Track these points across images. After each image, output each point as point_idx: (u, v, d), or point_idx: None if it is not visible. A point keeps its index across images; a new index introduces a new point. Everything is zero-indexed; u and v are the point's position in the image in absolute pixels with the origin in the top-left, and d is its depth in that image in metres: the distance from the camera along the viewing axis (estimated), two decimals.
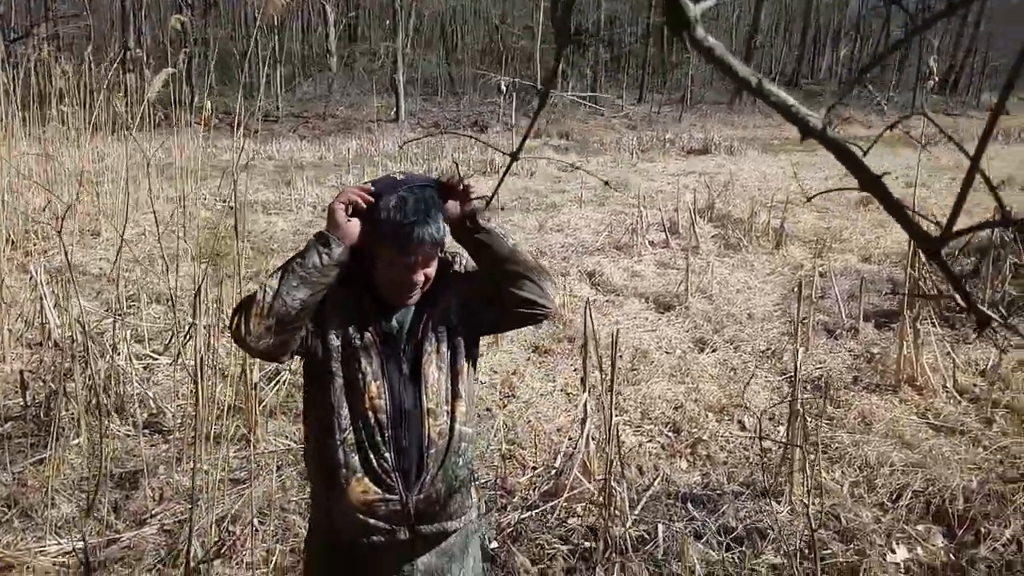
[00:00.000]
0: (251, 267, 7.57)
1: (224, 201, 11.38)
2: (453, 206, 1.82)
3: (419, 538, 1.84)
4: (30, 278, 6.19)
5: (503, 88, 20.18)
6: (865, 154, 0.59)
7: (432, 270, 1.84)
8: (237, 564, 3.05)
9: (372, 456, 1.78)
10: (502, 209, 10.36)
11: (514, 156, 0.70)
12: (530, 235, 8.89)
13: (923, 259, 6.52)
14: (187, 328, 5.21)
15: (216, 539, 3.12)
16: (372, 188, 1.79)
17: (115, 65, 7.65)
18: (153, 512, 3.45)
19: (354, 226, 1.77)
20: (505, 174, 0.74)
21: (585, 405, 3.34)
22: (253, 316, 1.72)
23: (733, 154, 17.53)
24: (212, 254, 7.77)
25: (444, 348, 1.86)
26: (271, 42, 23.19)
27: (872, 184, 0.52)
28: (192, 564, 2.96)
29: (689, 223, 8.63)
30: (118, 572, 3.05)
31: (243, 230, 9.18)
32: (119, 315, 5.80)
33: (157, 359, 5.08)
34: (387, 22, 28.68)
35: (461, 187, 1.82)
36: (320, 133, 20.77)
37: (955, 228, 0.52)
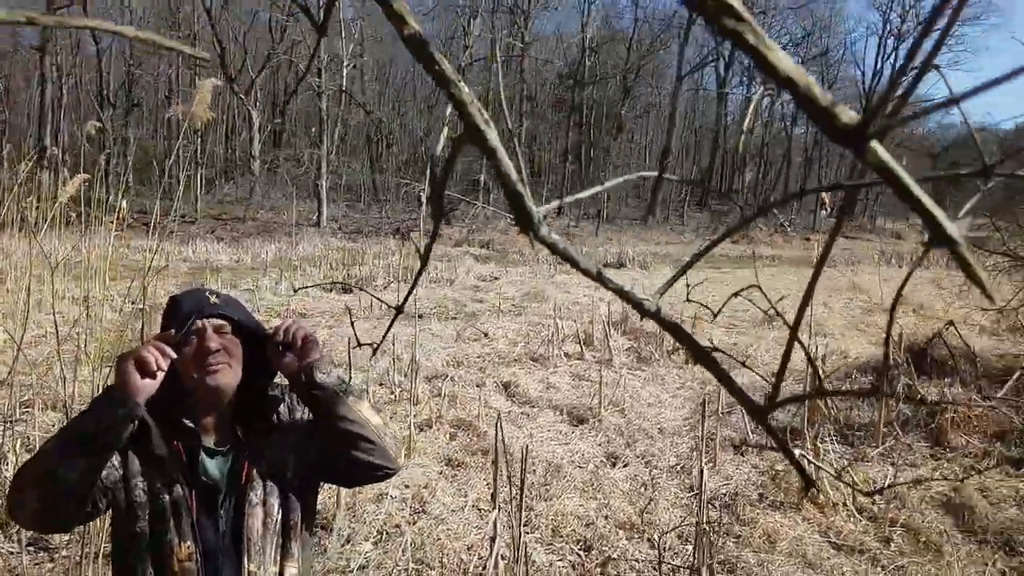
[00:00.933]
0: None
1: (133, 303, 11.09)
2: (291, 360, 1.72)
3: None
4: None
5: (423, 199, 20.59)
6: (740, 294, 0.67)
7: (229, 343, 1.70)
8: None
9: None
10: (420, 317, 10.40)
11: (399, 309, 0.76)
12: (447, 344, 8.92)
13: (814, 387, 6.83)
14: None
15: None
16: (173, 338, 1.61)
17: (30, 164, 7.54)
18: None
19: (148, 384, 1.55)
20: (389, 328, 0.79)
21: (495, 523, 3.33)
22: (27, 488, 1.50)
23: (646, 268, 18.18)
24: (115, 358, 7.51)
25: (274, 501, 1.68)
26: (193, 144, 23.23)
27: (703, 358, 0.59)
28: None
29: (604, 336, 8.84)
30: None
31: (150, 333, 8.95)
32: (9, 421, 5.53)
33: None
34: (312, 129, 29.16)
35: (299, 342, 1.72)
36: (239, 235, 20.61)
37: (779, 398, 0.59)
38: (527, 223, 0.54)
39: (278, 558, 1.65)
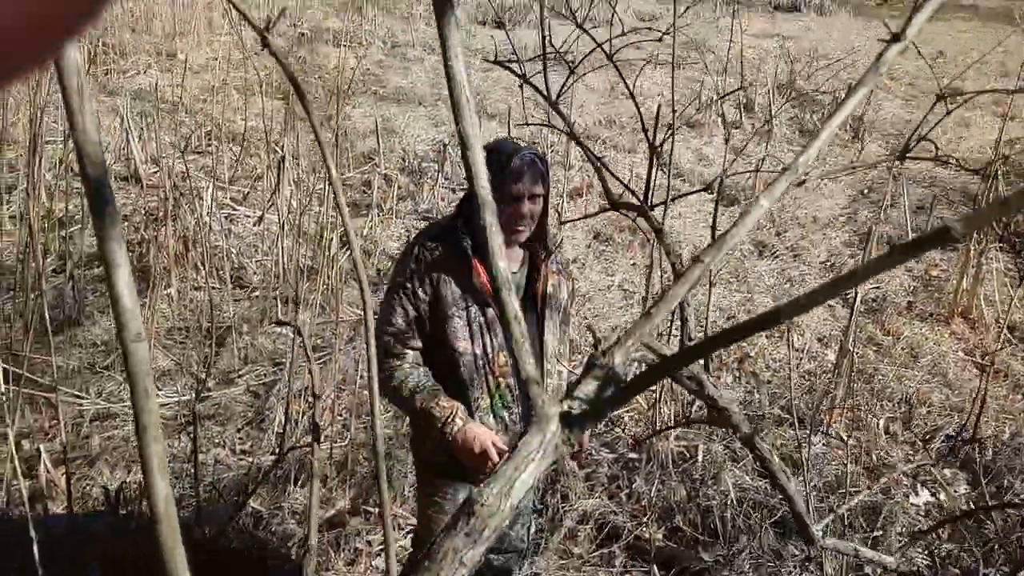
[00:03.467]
0: (323, 110, 7.62)
1: (295, 26, 11.21)
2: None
3: None
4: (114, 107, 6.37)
5: None
6: None
7: (536, 210, 2.09)
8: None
9: (505, 414, 2.09)
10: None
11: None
12: (602, 99, 8.72)
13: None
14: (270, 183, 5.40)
15: (300, 410, 3.44)
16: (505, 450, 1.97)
17: None
18: (240, 372, 3.79)
19: (470, 463, 2.02)
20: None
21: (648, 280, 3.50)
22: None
23: (823, 14, 16.52)
24: (285, 91, 7.81)
25: (556, 318, 2.19)
26: None
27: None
28: (277, 431, 3.30)
29: (767, 102, 8.38)
30: (210, 429, 3.42)
31: (313, 64, 9.16)
32: (197, 152, 5.99)
33: (237, 210, 5.31)
34: None
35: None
36: None
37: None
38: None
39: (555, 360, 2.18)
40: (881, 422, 3.80)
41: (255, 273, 4.65)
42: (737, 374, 4.15)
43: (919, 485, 3.41)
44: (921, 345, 4.47)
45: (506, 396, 2.08)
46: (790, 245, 5.61)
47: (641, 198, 1.62)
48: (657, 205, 2.42)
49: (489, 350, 2.04)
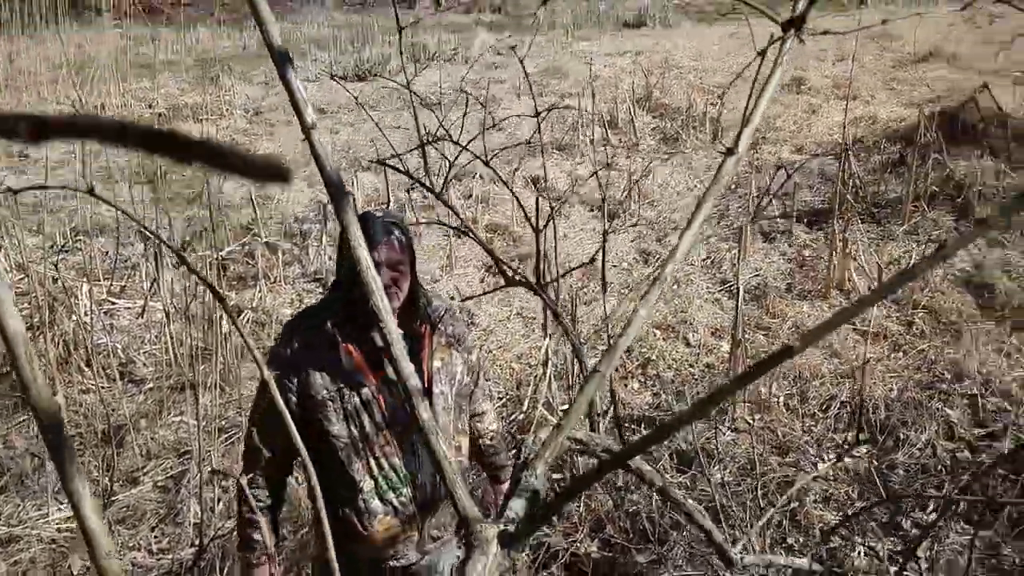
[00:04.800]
0: (193, 188, 7.47)
1: (150, 107, 10.96)
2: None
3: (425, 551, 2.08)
4: None
5: None
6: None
7: (401, 276, 1.97)
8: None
9: (391, 496, 1.97)
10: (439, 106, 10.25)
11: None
12: (470, 134, 8.86)
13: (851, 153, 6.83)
14: (148, 269, 5.25)
15: (214, 496, 3.35)
16: None
17: None
18: (144, 469, 3.65)
19: None
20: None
21: (547, 350, 3.60)
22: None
23: (668, 27, 17.36)
24: (150, 174, 7.62)
25: (449, 391, 2.06)
26: None
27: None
28: (193, 521, 3.20)
29: (628, 117, 8.74)
30: (121, 534, 3.28)
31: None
32: (61, 250, 5.76)
33: (116, 303, 5.13)
34: None
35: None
36: (239, 17, 19.72)
37: None
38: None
39: (455, 434, 2.09)
40: (780, 400, 3.99)
41: (145, 365, 4.50)
42: (642, 379, 4.29)
43: (824, 452, 3.60)
44: (805, 322, 4.73)
45: (391, 477, 1.97)
46: (672, 248, 5.83)
47: (535, 278, 1.72)
48: (548, 283, 2.52)
49: (369, 430, 1.94)
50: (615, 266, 5.59)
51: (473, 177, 7.25)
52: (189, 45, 16.15)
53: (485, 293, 2.68)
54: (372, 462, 1.95)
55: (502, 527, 0.93)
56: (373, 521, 1.96)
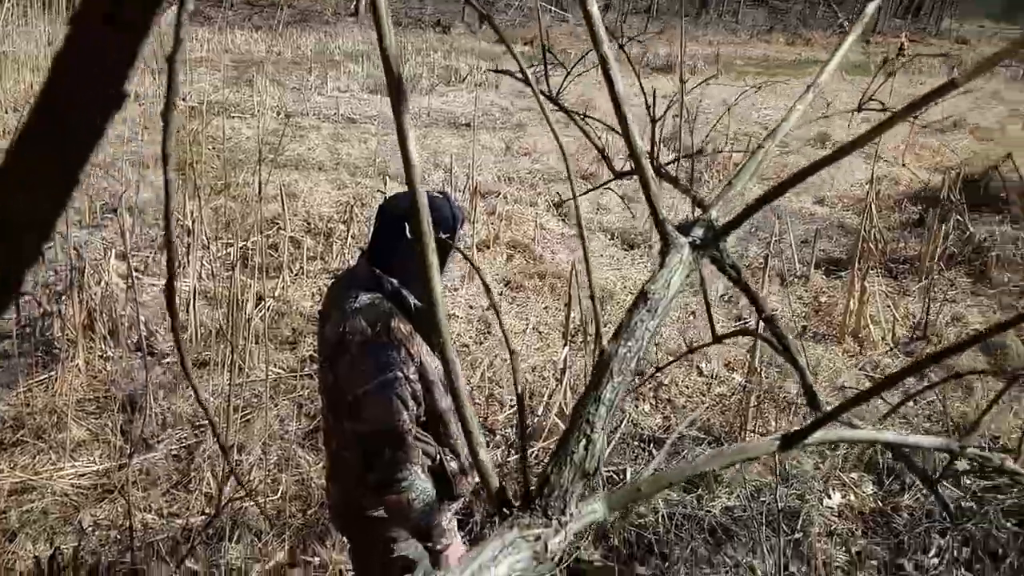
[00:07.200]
0: (219, 179, 7.58)
1: (184, 99, 11.12)
2: None
3: None
4: None
5: None
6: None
7: None
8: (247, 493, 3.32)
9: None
10: (468, 127, 10.40)
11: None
12: (498, 158, 9.00)
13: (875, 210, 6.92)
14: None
15: (226, 469, 3.38)
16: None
17: None
18: (159, 438, 3.69)
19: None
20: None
21: (565, 359, 3.65)
22: None
23: (695, 74, 17.62)
24: (181, 163, 7.73)
25: None
26: None
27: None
28: (205, 490, 3.23)
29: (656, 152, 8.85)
30: (134, 495, 3.31)
31: (206, 135, 9.08)
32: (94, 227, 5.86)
33: (141, 279, 5.19)
34: None
35: None
36: (276, 24, 20.06)
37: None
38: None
39: None
40: None
41: (165, 340, 4.56)
42: (653, 402, 4.33)
43: (831, 488, 3.63)
44: (819, 363, 4.77)
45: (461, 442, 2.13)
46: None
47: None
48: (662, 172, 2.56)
49: (449, 402, 2.06)
50: (632, 293, 5.65)
51: (496, 196, 7.35)
52: (226, 46, 16.42)
53: (593, 189, 2.76)
54: (455, 429, 2.13)
55: (691, 238, 1.07)
56: (467, 479, 2.20)
